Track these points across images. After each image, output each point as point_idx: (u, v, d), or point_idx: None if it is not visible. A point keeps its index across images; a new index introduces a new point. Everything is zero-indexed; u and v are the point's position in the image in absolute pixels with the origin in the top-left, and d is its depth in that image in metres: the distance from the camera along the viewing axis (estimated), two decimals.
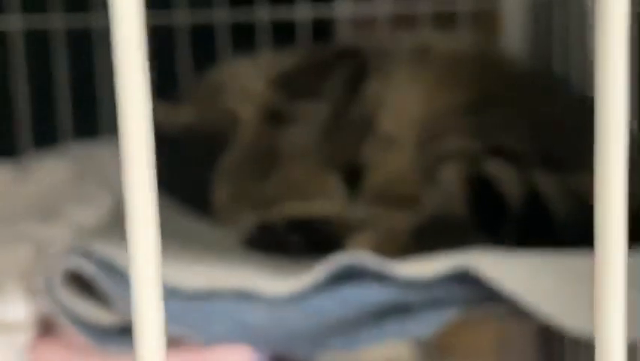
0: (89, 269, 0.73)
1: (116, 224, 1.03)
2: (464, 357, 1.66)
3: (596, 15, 0.32)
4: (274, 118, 1.08)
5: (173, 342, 0.75)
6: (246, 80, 1.13)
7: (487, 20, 1.49)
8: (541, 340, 1.43)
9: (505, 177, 0.88)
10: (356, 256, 0.76)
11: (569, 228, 0.85)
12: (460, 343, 1.74)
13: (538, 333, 1.45)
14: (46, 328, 0.78)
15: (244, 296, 0.74)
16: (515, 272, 0.78)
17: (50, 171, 1.25)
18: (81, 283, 0.76)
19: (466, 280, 0.76)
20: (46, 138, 1.41)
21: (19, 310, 0.75)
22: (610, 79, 0.32)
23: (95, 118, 1.43)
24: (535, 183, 0.87)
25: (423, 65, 1.14)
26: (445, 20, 1.46)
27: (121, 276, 0.73)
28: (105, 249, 0.74)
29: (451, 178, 0.88)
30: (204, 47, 1.49)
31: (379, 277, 0.75)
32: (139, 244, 0.35)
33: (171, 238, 0.96)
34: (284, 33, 1.48)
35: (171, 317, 0.73)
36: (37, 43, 1.44)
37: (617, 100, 0.32)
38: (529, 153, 0.93)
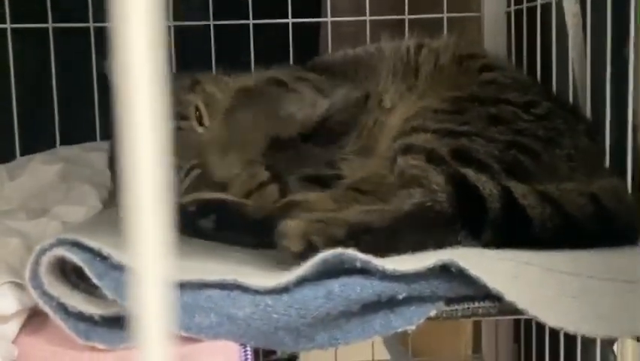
0: (77, 259, 0.74)
1: (103, 221, 1.04)
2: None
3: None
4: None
5: None
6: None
7: (467, 26, 1.51)
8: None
9: (481, 180, 0.90)
10: (342, 251, 0.77)
11: (545, 228, 0.87)
12: (437, 343, 1.76)
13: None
14: (35, 320, 0.79)
15: (230, 289, 0.75)
16: (498, 269, 0.79)
17: (41, 172, 1.26)
18: (68, 276, 0.77)
19: (450, 276, 0.77)
20: (37, 139, 1.42)
21: (8, 303, 0.76)
22: None
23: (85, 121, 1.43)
24: (508, 187, 0.90)
25: (404, 74, 1.18)
26: (429, 26, 1.48)
27: (108, 266, 0.74)
28: (93, 240, 0.75)
29: (437, 180, 0.89)
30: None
31: (364, 272, 0.76)
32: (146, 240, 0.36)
33: None
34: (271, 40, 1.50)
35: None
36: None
37: None
38: (495, 160, 0.95)
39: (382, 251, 0.81)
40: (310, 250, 0.82)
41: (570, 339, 1.19)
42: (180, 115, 1.19)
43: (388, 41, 1.28)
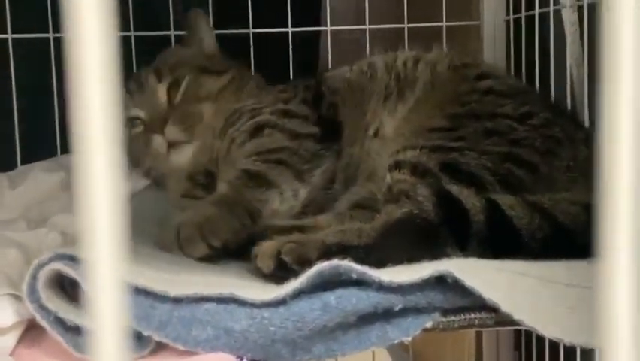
0: (74, 274, 0.74)
1: None
2: None
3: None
4: None
5: (159, 347, 0.76)
6: None
7: (466, 35, 1.52)
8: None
9: (464, 193, 0.90)
10: (338, 262, 0.77)
11: (535, 238, 0.87)
12: (439, 351, 1.76)
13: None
14: (32, 332, 0.79)
15: (227, 302, 0.75)
16: (494, 280, 0.79)
17: (42, 180, 1.26)
18: (66, 289, 0.77)
19: (446, 286, 0.77)
20: (38, 148, 1.42)
21: (5, 315, 0.76)
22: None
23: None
24: (494, 199, 0.90)
25: (399, 91, 1.19)
26: (428, 35, 1.48)
27: None
28: None
29: (422, 192, 0.90)
30: None
31: (360, 284, 0.76)
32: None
33: (155, 247, 0.98)
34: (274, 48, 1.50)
35: (156, 323, 0.74)
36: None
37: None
38: (488, 173, 0.95)
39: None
40: (282, 270, 0.83)
41: (570, 347, 1.19)
42: (157, 71, 1.24)
43: (382, 55, 1.29)
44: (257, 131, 1.18)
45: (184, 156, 1.24)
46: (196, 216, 0.97)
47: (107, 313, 0.36)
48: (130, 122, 1.28)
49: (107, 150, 0.35)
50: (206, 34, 1.39)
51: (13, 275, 0.83)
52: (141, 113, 1.28)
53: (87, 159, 0.35)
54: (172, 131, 1.24)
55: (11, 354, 0.76)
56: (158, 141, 1.24)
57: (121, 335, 0.36)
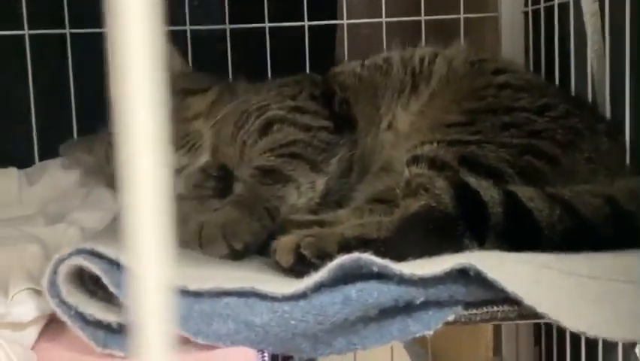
0: (95, 268, 0.74)
1: (119, 227, 1.04)
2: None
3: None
4: None
5: (180, 342, 0.76)
6: None
7: (484, 27, 1.50)
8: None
9: (483, 185, 0.89)
10: (359, 255, 0.76)
11: (555, 231, 0.86)
12: (458, 345, 1.75)
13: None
14: (53, 327, 0.79)
15: (247, 296, 0.75)
16: (517, 273, 0.78)
17: (59, 177, 1.27)
18: (86, 284, 0.77)
19: (468, 280, 0.77)
20: (55, 145, 1.42)
21: (26, 310, 0.76)
22: None
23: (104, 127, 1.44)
24: (513, 191, 0.89)
25: (413, 85, 1.19)
26: (446, 28, 1.47)
27: (126, 275, 0.74)
28: (110, 249, 0.75)
29: (440, 185, 0.89)
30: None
31: (381, 277, 0.76)
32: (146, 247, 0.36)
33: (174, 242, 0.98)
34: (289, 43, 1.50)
35: (178, 317, 0.74)
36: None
37: None
38: (507, 165, 0.94)
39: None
40: (301, 264, 0.82)
41: (592, 341, 1.18)
42: None
43: (399, 50, 1.29)
44: (266, 128, 1.18)
45: (191, 179, 1.24)
46: (219, 217, 0.97)
47: (152, 315, 0.35)
48: None
49: (153, 150, 0.34)
50: (174, 59, 1.38)
51: (34, 270, 0.83)
52: None
53: (133, 159, 0.34)
54: (175, 160, 1.22)
55: (33, 348, 0.76)
56: None
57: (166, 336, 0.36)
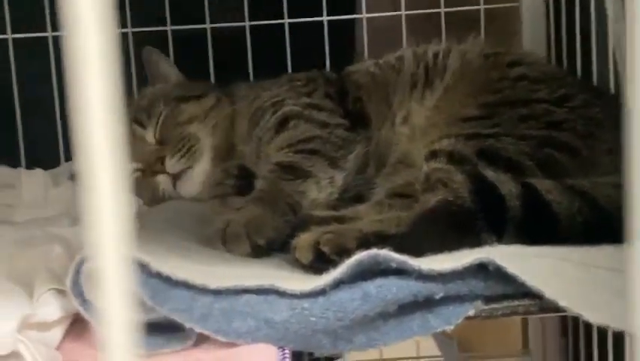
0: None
1: (141, 227, 1.06)
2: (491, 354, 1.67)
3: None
4: None
5: (200, 339, 0.76)
6: None
7: (505, 18, 1.49)
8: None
9: (500, 178, 0.89)
10: (377, 251, 0.76)
11: (575, 223, 0.85)
12: (484, 340, 1.75)
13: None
14: (78, 327, 0.80)
15: (267, 293, 0.75)
16: (537, 266, 0.78)
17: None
18: None
19: (487, 274, 0.76)
20: None
21: (51, 310, 0.78)
22: None
23: None
24: (532, 184, 0.88)
25: (426, 81, 1.19)
26: (466, 20, 1.46)
27: (147, 274, 0.75)
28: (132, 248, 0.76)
29: (458, 179, 0.89)
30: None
31: (400, 273, 0.76)
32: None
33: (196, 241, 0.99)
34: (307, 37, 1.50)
35: (199, 315, 0.75)
36: None
37: None
38: (527, 158, 0.94)
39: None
40: (320, 260, 0.83)
41: (619, 333, 1.17)
42: (137, 120, 1.25)
43: (412, 48, 1.29)
44: (283, 124, 1.18)
45: (193, 183, 1.25)
46: (243, 215, 0.98)
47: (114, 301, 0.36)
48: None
49: (110, 153, 0.35)
50: (167, 68, 1.40)
51: (59, 270, 0.84)
52: (137, 165, 1.28)
53: (91, 164, 0.35)
54: (172, 164, 1.24)
55: (58, 348, 0.77)
56: (163, 180, 1.24)
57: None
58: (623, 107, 1.10)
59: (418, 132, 1.13)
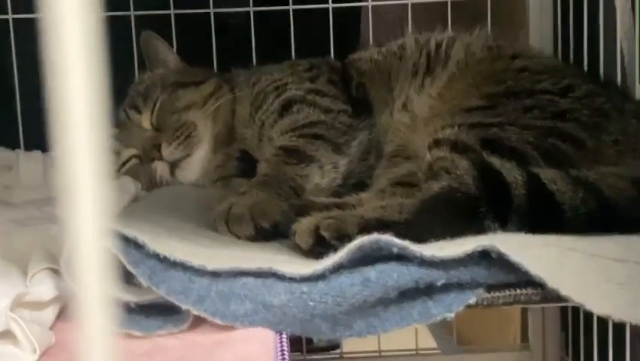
0: (112, 247, 0.73)
1: (139, 208, 1.05)
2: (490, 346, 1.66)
3: None
4: None
5: (197, 322, 0.75)
6: None
7: (512, 8, 1.48)
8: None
9: (506, 166, 0.88)
10: (379, 236, 0.75)
11: (578, 213, 0.84)
12: (483, 333, 1.74)
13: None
14: (72, 307, 0.79)
15: (265, 277, 0.74)
16: (541, 255, 0.77)
17: None
18: None
19: (490, 262, 0.75)
20: None
21: (45, 289, 0.76)
22: None
23: None
24: (536, 173, 0.87)
25: (428, 68, 1.18)
26: (473, 9, 1.45)
27: (143, 254, 0.74)
28: (127, 228, 0.75)
29: (463, 165, 0.88)
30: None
31: (401, 259, 0.75)
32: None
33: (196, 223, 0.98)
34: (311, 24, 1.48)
35: (196, 297, 0.73)
36: None
37: None
38: (531, 147, 0.93)
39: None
40: (321, 245, 0.81)
41: (619, 327, 1.16)
42: (133, 105, 1.24)
43: (414, 36, 1.29)
44: (286, 108, 1.17)
45: (191, 170, 1.24)
46: (247, 199, 0.97)
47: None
48: (127, 163, 1.28)
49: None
50: (166, 53, 1.38)
51: (54, 250, 0.83)
52: (134, 151, 1.27)
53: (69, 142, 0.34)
54: (170, 152, 1.22)
55: (51, 328, 0.76)
56: (160, 167, 1.22)
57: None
58: (633, 99, 1.09)
59: (419, 122, 1.12)
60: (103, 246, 0.36)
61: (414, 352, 1.53)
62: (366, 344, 1.51)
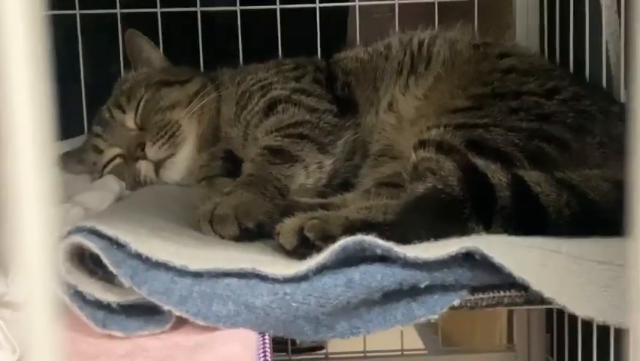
0: (93, 246, 0.73)
1: (122, 208, 1.04)
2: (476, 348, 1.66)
3: None
4: None
5: (179, 323, 0.75)
6: None
7: (499, 8, 1.48)
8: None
9: (491, 168, 0.88)
10: (362, 238, 0.75)
11: (562, 215, 0.84)
12: (469, 335, 1.74)
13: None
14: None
15: (248, 277, 0.74)
16: (525, 257, 0.77)
17: None
18: (87, 263, 0.77)
19: (473, 264, 0.75)
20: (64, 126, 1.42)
21: None
22: None
23: None
24: (520, 175, 0.87)
25: (412, 67, 1.19)
26: (459, 10, 1.45)
27: (125, 254, 0.73)
28: (110, 228, 0.74)
29: (448, 166, 0.87)
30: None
31: (385, 260, 0.74)
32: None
33: (181, 224, 0.97)
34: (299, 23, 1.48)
35: (178, 298, 0.73)
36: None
37: None
38: (516, 149, 0.93)
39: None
40: (305, 246, 0.81)
41: (603, 329, 1.16)
42: (117, 104, 1.23)
43: (399, 35, 1.29)
44: (271, 107, 1.17)
45: (175, 170, 1.23)
46: (232, 199, 0.96)
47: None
48: (111, 162, 1.27)
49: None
50: (151, 52, 1.37)
51: None
52: (118, 150, 1.26)
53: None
54: (154, 151, 1.22)
55: None
56: (144, 167, 1.22)
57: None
58: (618, 101, 1.09)
59: (405, 123, 1.12)
60: (48, 252, 0.36)
61: (399, 352, 1.53)
62: (351, 344, 1.51)
